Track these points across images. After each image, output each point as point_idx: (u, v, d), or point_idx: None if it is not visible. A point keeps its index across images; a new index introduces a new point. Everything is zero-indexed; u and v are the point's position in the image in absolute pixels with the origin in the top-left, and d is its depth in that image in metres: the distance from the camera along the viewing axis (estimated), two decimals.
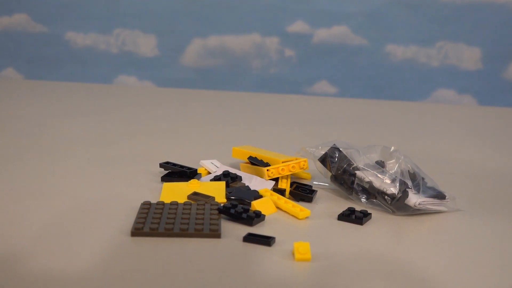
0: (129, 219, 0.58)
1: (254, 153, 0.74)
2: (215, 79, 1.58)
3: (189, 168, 0.72)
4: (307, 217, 0.62)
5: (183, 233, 0.54)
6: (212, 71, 1.58)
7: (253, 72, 1.58)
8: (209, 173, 0.74)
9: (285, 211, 0.63)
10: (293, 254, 0.52)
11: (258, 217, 0.59)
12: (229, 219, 0.59)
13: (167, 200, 0.63)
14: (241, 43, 1.58)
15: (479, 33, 1.54)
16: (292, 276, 0.49)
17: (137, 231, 0.55)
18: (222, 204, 0.60)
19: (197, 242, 0.54)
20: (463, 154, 0.97)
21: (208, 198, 0.63)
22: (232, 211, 0.59)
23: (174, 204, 0.60)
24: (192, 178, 0.70)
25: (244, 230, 0.57)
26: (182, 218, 0.56)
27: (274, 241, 0.55)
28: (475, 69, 1.54)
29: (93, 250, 0.51)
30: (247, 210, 0.59)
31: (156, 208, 0.59)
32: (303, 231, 0.59)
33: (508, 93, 1.55)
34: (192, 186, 0.66)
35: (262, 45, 1.57)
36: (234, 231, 0.57)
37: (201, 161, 0.76)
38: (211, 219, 0.57)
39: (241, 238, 0.55)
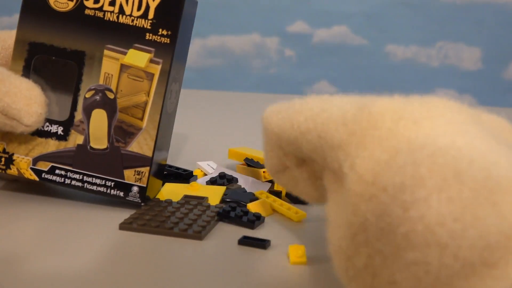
0: (123, 216, 0.58)
1: (251, 155, 0.73)
2: (215, 79, 1.58)
3: (184, 170, 0.71)
4: (303, 220, 0.62)
5: (169, 232, 0.54)
6: (212, 71, 1.58)
7: (253, 72, 1.57)
8: (205, 174, 0.73)
9: (280, 214, 0.63)
10: (288, 257, 0.52)
11: (258, 219, 0.59)
12: (229, 222, 0.59)
13: None
14: (241, 43, 1.57)
15: (479, 33, 1.53)
16: (287, 279, 0.49)
17: (124, 225, 0.54)
18: (221, 207, 0.60)
19: (193, 243, 0.53)
20: None
21: (202, 199, 0.62)
22: (232, 214, 0.58)
23: (178, 203, 0.60)
24: (188, 180, 0.70)
25: (239, 232, 0.56)
26: (176, 218, 0.56)
27: (269, 244, 0.54)
28: (475, 69, 1.54)
29: (89, 248, 0.51)
30: (247, 213, 0.59)
31: (158, 206, 0.59)
32: (299, 234, 0.58)
33: (508, 93, 1.54)
34: (192, 188, 0.66)
35: (262, 45, 1.57)
36: (229, 233, 0.56)
37: (198, 162, 0.76)
38: (203, 220, 0.57)
39: (236, 241, 0.54)
